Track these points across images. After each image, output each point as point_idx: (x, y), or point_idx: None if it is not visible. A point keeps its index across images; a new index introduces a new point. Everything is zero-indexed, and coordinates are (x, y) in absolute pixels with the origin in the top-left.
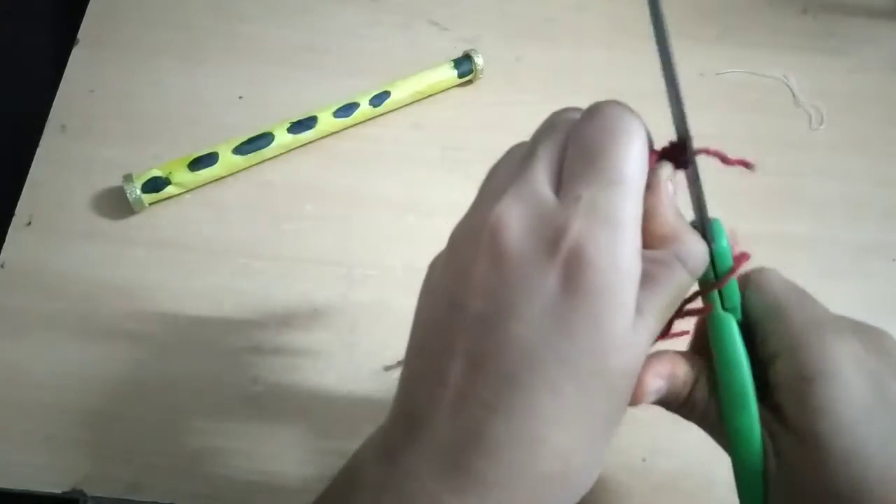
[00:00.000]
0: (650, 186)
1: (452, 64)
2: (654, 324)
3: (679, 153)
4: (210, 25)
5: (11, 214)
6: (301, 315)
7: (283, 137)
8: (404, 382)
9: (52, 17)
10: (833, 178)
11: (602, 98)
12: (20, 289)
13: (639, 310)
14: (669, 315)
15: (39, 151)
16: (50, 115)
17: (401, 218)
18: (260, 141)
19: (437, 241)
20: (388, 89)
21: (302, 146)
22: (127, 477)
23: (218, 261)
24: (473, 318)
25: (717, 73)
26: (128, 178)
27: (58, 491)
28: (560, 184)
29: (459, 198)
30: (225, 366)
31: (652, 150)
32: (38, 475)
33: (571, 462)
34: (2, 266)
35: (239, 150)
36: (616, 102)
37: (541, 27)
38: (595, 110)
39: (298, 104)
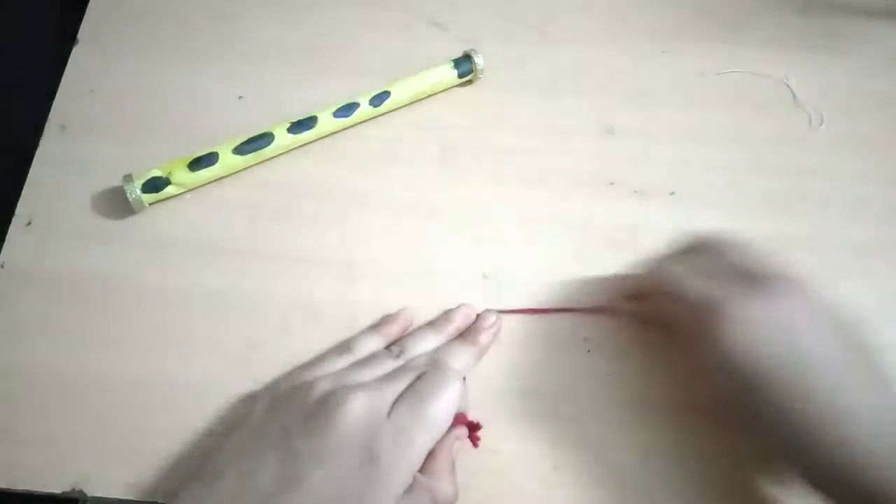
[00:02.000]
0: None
1: (452, 64)
2: None
3: (473, 429)
4: (210, 25)
5: (11, 214)
6: (301, 315)
7: (283, 137)
8: None
9: (52, 17)
10: (833, 178)
11: (602, 98)
12: (20, 289)
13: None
14: None
15: (39, 151)
16: (50, 115)
17: (400, 218)
18: (260, 141)
19: (436, 240)
20: (388, 89)
21: (302, 146)
22: (127, 477)
23: (218, 261)
24: None
25: (717, 73)
26: (128, 178)
27: (58, 491)
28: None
29: (459, 198)
30: (225, 366)
31: (460, 414)
32: (38, 475)
33: None
34: (2, 266)
35: (239, 150)
36: (454, 372)
37: (541, 27)
38: (440, 364)
39: (298, 104)
